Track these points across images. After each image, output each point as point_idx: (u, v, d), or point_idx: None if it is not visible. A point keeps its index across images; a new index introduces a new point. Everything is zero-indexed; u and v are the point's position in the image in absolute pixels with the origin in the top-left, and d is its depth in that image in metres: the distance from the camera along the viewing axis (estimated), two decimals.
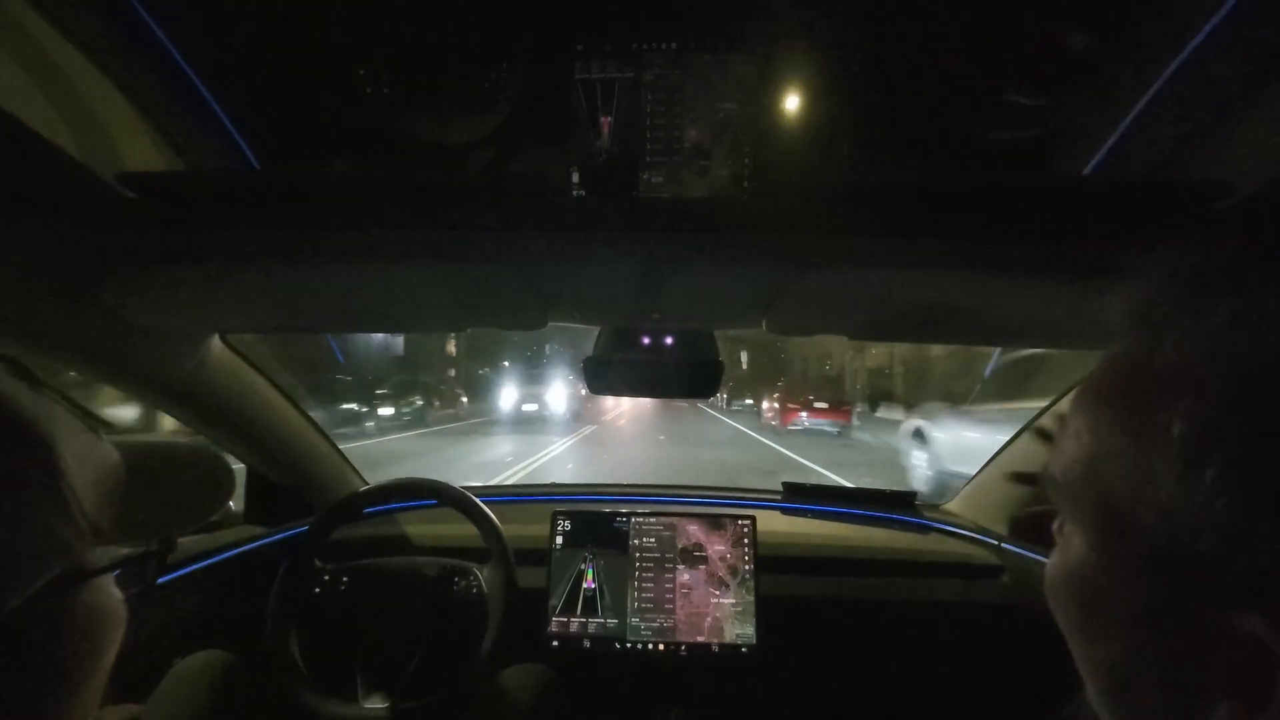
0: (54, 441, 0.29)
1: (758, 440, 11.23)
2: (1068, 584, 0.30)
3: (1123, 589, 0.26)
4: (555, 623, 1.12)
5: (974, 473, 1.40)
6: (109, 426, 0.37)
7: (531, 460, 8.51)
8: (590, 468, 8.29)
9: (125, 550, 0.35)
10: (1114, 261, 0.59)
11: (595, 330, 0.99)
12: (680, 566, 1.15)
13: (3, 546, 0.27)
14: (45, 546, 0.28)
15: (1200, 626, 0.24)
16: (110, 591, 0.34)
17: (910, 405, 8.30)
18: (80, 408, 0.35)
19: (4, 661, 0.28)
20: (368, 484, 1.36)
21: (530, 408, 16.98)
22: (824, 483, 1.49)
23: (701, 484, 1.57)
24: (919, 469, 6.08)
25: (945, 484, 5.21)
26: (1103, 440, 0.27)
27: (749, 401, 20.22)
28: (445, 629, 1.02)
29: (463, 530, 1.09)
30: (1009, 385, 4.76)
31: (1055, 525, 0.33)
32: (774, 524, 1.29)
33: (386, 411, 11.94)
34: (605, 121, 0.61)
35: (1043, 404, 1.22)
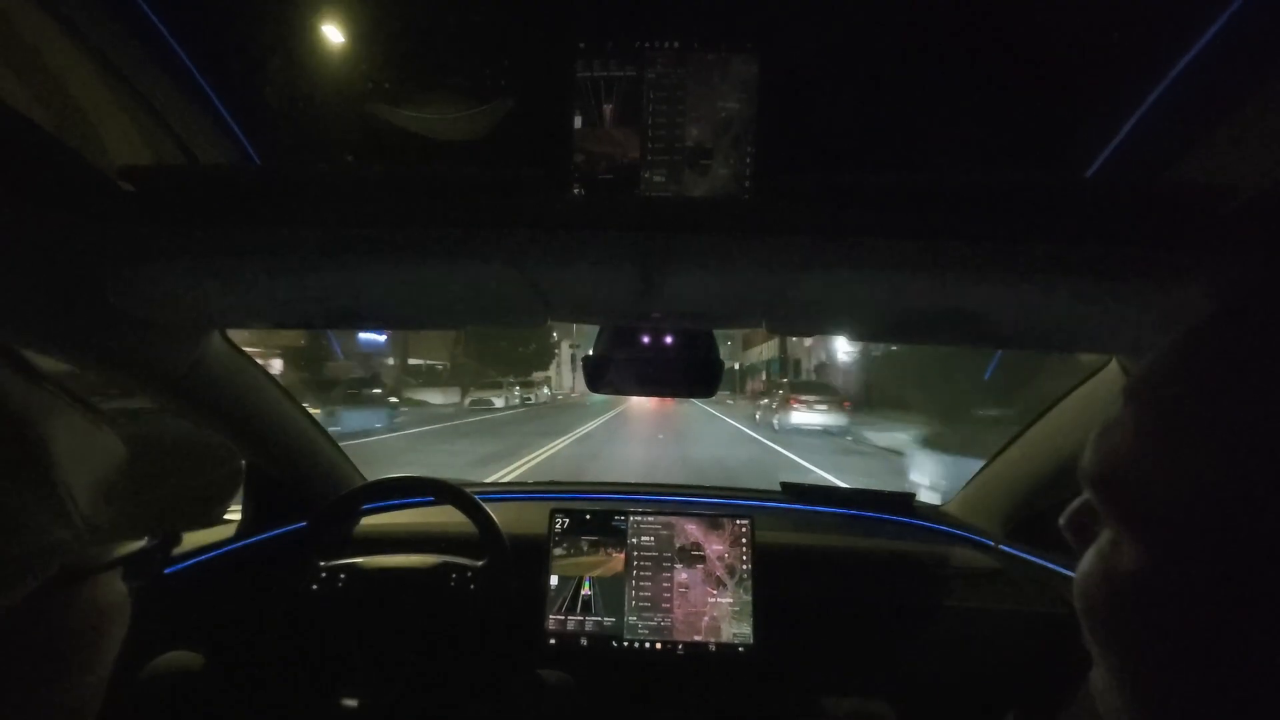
0: (50, 434, 0.29)
1: None
2: (1112, 597, 0.27)
3: (1187, 608, 0.23)
4: (552, 621, 1.12)
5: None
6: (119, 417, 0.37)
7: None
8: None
9: (130, 545, 0.35)
10: (1117, 264, 0.59)
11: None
12: (678, 566, 1.14)
13: None
14: (39, 543, 0.28)
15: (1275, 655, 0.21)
16: (115, 586, 0.34)
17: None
18: (81, 399, 0.34)
19: (8, 655, 0.28)
20: (366, 481, 1.36)
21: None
22: (822, 484, 1.49)
23: (700, 484, 1.57)
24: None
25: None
26: (1178, 438, 0.24)
27: None
28: (442, 627, 1.02)
29: (460, 528, 1.09)
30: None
31: (1076, 527, 0.31)
32: (772, 524, 1.29)
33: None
34: (606, 120, 0.61)
35: None
